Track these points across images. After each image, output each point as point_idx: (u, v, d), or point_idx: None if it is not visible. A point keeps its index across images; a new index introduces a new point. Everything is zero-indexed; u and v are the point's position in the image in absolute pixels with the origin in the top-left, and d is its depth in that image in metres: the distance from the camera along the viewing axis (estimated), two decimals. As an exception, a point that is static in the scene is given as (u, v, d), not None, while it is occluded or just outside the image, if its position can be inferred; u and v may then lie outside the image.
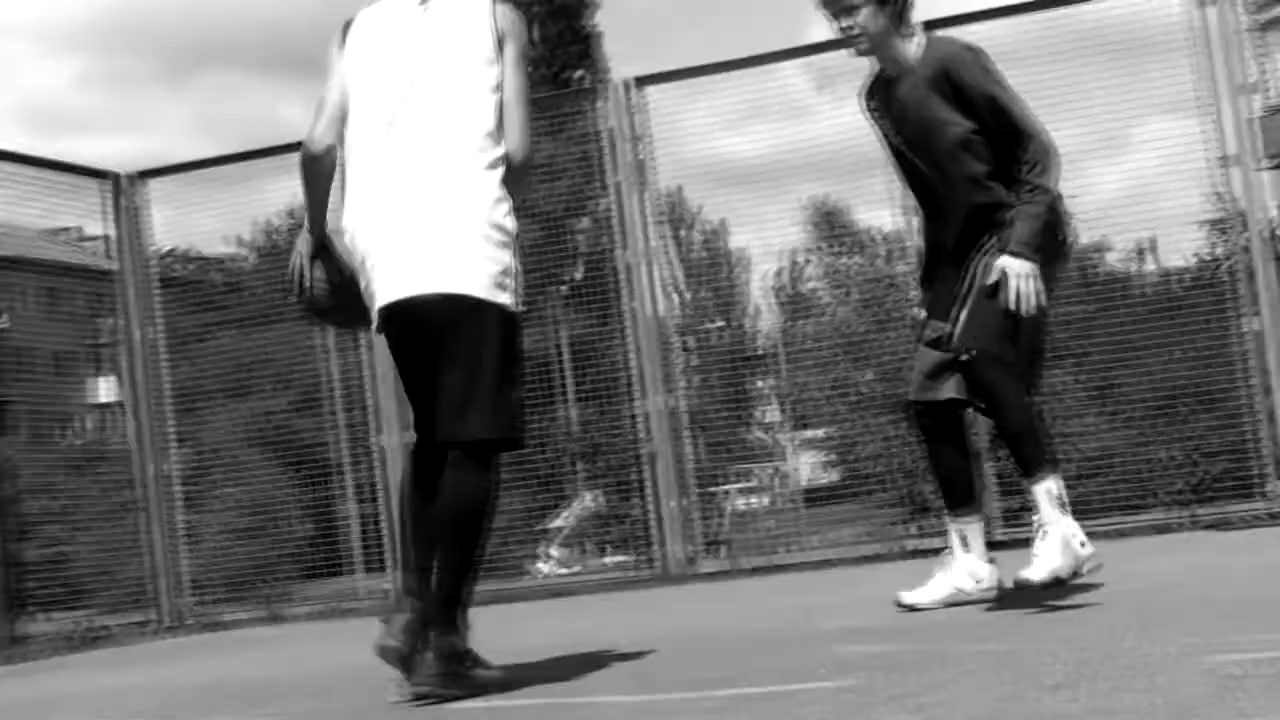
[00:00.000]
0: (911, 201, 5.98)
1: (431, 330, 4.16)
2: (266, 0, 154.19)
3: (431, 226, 4.14)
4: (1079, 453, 10.07)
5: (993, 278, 5.08)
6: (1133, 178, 10.08)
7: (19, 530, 12.37)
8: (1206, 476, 9.90)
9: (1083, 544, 4.97)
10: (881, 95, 5.40)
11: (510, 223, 4.23)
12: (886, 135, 5.48)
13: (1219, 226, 10.08)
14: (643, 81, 11.02)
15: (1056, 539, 4.93)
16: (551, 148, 12.37)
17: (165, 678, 6.93)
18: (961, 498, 5.52)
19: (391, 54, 4.35)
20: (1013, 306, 5.06)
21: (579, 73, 26.30)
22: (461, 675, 4.10)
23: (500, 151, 4.23)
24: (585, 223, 13.29)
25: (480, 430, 4.13)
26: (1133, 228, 10.31)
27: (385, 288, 4.19)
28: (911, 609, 5.37)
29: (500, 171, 4.22)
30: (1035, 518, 5.04)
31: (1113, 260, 10.94)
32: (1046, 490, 5.00)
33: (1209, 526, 9.39)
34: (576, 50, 26.57)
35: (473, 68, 4.26)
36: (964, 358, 5.12)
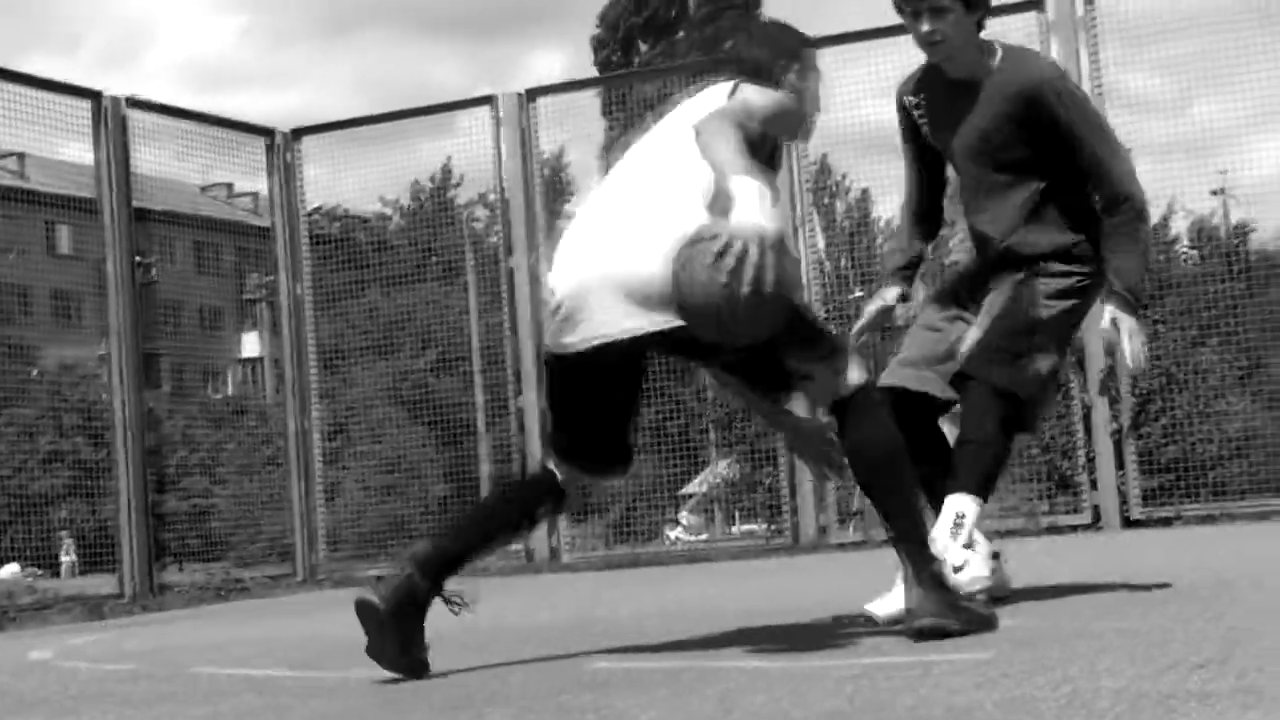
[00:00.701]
0: None
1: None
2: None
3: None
4: (1221, 433, 9.94)
5: (1104, 323, 4.71)
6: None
7: (160, 482, 12.62)
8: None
9: (957, 568, 4.47)
10: (932, 93, 5.04)
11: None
12: (921, 130, 5.14)
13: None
14: (789, 48, 10.98)
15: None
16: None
17: (308, 630, 7.06)
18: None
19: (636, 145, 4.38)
20: (1132, 365, 4.72)
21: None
22: (960, 606, 4.06)
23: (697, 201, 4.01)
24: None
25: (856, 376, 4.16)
26: (1284, 206, 10.15)
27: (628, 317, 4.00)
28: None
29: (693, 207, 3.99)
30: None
31: (1263, 239, 10.77)
32: (957, 508, 4.59)
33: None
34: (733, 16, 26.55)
35: (678, 141, 4.14)
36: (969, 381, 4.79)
